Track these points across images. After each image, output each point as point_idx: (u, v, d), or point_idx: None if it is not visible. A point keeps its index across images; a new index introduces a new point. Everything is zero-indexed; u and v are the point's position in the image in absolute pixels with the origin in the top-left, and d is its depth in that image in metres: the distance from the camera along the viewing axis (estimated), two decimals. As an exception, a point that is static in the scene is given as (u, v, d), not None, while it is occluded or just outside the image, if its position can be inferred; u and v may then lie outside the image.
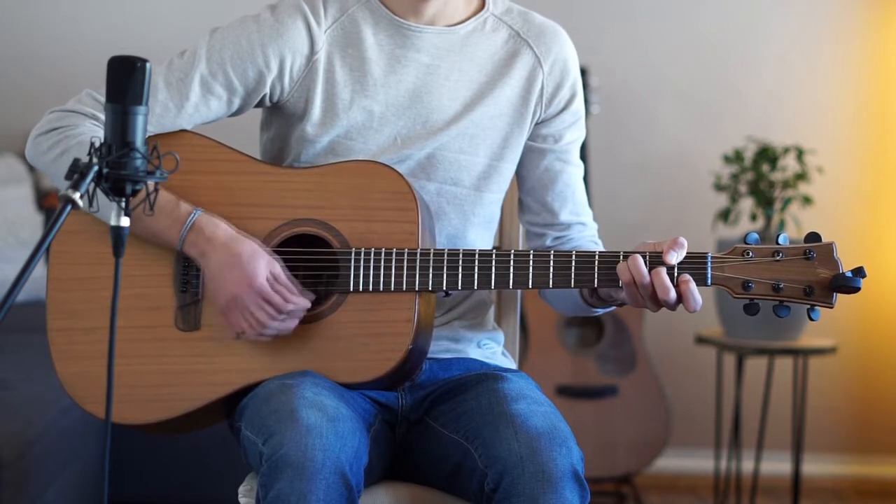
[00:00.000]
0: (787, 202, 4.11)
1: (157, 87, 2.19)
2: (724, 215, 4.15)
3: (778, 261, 2.07)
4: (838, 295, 2.06)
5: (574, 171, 2.34)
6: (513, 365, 2.39)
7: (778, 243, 2.07)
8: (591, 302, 2.24)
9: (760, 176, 4.12)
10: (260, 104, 2.27)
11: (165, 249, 2.20)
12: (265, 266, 2.13)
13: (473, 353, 2.31)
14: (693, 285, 2.06)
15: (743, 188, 4.16)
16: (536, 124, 2.31)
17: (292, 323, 2.14)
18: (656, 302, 2.08)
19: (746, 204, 4.19)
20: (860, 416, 4.64)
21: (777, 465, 4.47)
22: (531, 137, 2.31)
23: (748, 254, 2.08)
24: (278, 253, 2.17)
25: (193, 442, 3.16)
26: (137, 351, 2.19)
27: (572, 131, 2.33)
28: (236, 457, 2.22)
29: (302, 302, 2.14)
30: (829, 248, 2.07)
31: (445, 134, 2.25)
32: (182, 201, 2.16)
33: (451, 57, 2.27)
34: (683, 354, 4.55)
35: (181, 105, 2.21)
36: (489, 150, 2.28)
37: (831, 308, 2.06)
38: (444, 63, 2.26)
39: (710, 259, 2.08)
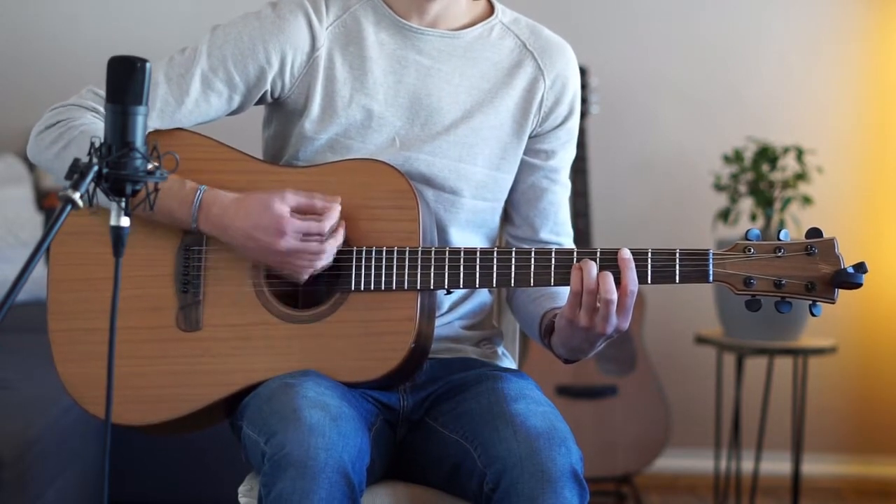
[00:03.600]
0: (786, 202, 4.11)
1: (157, 83, 2.18)
2: (724, 215, 4.14)
3: (779, 257, 2.08)
4: (839, 290, 2.06)
5: (560, 190, 2.33)
6: (513, 365, 2.38)
7: (779, 239, 2.08)
8: (542, 332, 2.22)
9: (760, 176, 4.12)
10: (261, 101, 2.27)
11: (165, 250, 2.19)
12: (278, 217, 2.10)
13: (474, 352, 2.31)
14: (633, 265, 2.06)
15: (743, 188, 4.16)
16: (531, 137, 2.30)
17: (335, 243, 2.13)
18: (594, 309, 2.06)
19: (746, 204, 4.19)
20: (860, 416, 4.64)
21: (777, 465, 4.47)
22: (524, 151, 2.31)
23: (749, 250, 2.08)
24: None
25: (193, 442, 3.15)
26: (138, 352, 2.19)
27: (565, 150, 2.32)
28: (236, 457, 2.22)
29: (328, 220, 2.11)
30: (831, 243, 2.07)
31: (444, 139, 2.25)
32: (187, 180, 2.15)
33: (454, 61, 2.26)
34: (683, 354, 4.55)
35: (181, 101, 2.20)
36: (487, 160, 2.27)
37: (833, 303, 2.07)
38: (446, 67, 2.26)
39: (711, 256, 2.08)
